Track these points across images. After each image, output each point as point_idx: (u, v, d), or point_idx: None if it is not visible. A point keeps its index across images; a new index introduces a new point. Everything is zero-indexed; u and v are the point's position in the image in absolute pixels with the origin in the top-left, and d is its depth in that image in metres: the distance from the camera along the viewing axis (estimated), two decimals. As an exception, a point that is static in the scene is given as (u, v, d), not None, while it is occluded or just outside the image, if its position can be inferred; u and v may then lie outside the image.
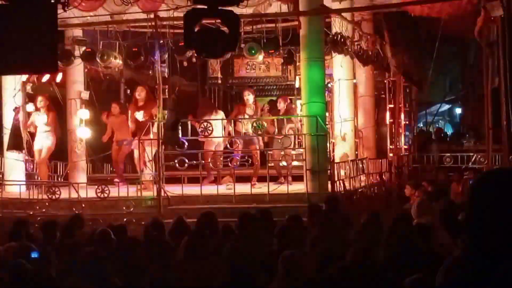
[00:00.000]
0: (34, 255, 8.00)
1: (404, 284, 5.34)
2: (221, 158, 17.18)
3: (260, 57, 17.34)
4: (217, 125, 16.95)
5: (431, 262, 6.18)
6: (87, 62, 18.06)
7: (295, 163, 17.83)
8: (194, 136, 16.92)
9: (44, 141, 17.39)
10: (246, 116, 16.84)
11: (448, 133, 32.05)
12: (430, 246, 7.26)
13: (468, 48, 30.10)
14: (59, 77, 18.85)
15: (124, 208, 14.47)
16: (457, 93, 34.25)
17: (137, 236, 9.44)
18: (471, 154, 21.54)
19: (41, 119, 17.41)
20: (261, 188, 15.28)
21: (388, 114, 21.67)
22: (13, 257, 7.69)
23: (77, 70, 19.08)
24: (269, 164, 16.95)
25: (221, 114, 18.23)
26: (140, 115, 16.87)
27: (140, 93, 17.06)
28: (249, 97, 17.12)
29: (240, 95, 20.36)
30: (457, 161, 21.14)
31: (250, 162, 16.56)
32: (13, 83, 17.63)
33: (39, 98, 17.60)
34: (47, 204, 14.78)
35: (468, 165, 20.44)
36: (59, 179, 19.13)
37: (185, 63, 18.72)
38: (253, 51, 16.63)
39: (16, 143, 17.30)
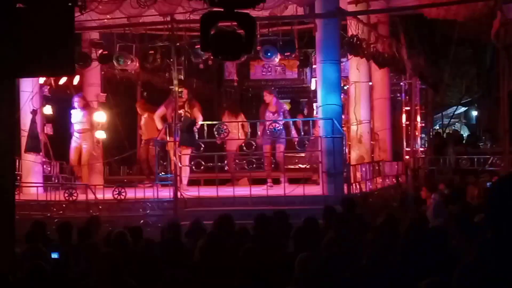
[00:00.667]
0: (54, 255, 8.05)
1: (420, 287, 5.34)
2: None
3: (276, 59, 17.36)
4: (237, 127, 17.14)
5: (446, 265, 6.18)
6: (103, 64, 18.16)
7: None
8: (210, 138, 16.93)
9: (82, 143, 17.52)
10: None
11: (464, 135, 31.92)
12: (446, 249, 7.25)
13: (484, 50, 29.99)
14: (76, 80, 18.94)
15: (140, 210, 14.51)
16: (473, 96, 34.15)
17: (154, 238, 9.47)
18: (488, 156, 21.46)
19: (78, 119, 17.54)
20: (277, 190, 15.29)
21: (404, 117, 21.63)
22: (30, 259, 7.73)
23: (94, 73, 19.17)
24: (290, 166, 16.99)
25: (241, 117, 18.36)
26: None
27: (183, 94, 17.06)
28: (267, 97, 17.13)
29: (257, 96, 20.43)
30: (474, 164, 21.06)
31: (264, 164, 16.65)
32: (31, 85, 17.71)
33: (76, 99, 17.73)
34: (64, 206, 14.84)
35: (484, 168, 20.36)
36: (76, 181, 19.20)
37: (201, 66, 18.78)
38: (269, 54, 16.65)
39: (34, 146, 17.38)
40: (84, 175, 17.68)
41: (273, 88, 18.45)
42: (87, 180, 17.41)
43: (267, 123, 16.59)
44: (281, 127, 16.60)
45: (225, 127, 16.27)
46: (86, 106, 17.77)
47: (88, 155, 17.70)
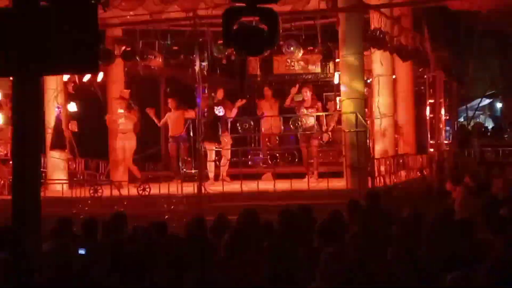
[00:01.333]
0: (81, 251, 8.08)
1: (446, 281, 5.33)
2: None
3: (299, 54, 17.34)
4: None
5: (473, 258, 6.16)
6: (127, 61, 18.23)
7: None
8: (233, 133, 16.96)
9: (125, 142, 17.62)
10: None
11: (489, 127, 31.72)
12: (472, 242, 7.22)
13: (508, 42, 29.80)
14: (100, 77, 19.03)
15: (165, 205, 14.56)
16: (498, 88, 33.92)
17: (179, 233, 9.49)
18: (512, 148, 21.34)
19: (121, 120, 17.67)
20: (301, 184, 15.28)
21: (428, 109, 21.53)
22: (58, 256, 7.76)
23: (118, 70, 19.25)
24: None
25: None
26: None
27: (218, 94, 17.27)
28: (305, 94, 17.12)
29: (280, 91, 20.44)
30: (499, 156, 20.94)
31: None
32: (55, 83, 17.82)
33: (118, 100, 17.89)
34: (89, 202, 14.92)
35: (509, 160, 20.23)
36: (101, 177, 19.30)
37: (224, 61, 18.80)
38: (292, 48, 16.64)
39: (59, 143, 17.50)
40: (134, 171, 17.81)
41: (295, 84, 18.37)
42: (139, 174, 17.57)
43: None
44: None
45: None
46: (129, 108, 17.85)
47: (131, 152, 17.79)
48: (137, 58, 17.57)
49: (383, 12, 17.26)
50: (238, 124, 16.59)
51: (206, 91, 16.81)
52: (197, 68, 15.86)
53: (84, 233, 9.82)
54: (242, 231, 7.88)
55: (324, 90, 23.96)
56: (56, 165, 18.07)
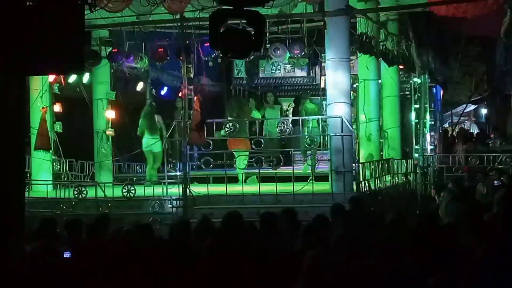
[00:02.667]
0: (66, 255, 8.06)
1: (428, 284, 5.35)
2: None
3: (285, 57, 17.36)
4: None
5: (455, 262, 6.18)
6: (113, 62, 18.20)
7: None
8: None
9: (152, 146, 17.67)
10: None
11: (473, 133, 31.85)
12: (455, 247, 7.24)
13: (494, 48, 29.95)
14: (85, 78, 18.99)
15: (150, 208, 14.53)
16: (483, 93, 34.08)
17: (163, 236, 9.49)
18: (497, 154, 21.40)
19: None
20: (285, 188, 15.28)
21: (413, 114, 21.58)
22: (40, 256, 7.75)
23: (103, 71, 19.22)
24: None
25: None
26: None
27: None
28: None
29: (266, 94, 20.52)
30: (483, 162, 21.01)
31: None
32: (40, 83, 17.77)
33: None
34: (73, 203, 14.88)
35: (493, 166, 20.30)
36: (86, 178, 19.25)
37: (210, 64, 18.80)
38: (278, 52, 16.65)
39: (43, 143, 17.45)
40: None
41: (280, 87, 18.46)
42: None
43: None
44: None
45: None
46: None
47: (160, 156, 17.78)
48: (123, 59, 17.55)
49: (370, 16, 17.32)
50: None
51: (192, 93, 16.73)
52: (183, 70, 15.84)
53: (68, 234, 9.81)
54: (226, 233, 7.89)
55: (310, 94, 24.01)
56: (41, 166, 18.01)
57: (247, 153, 17.04)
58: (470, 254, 6.43)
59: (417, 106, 21.67)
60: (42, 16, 6.70)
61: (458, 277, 4.74)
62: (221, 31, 7.81)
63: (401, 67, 20.21)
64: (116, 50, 17.60)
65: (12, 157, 6.93)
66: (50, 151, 17.98)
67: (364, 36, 16.63)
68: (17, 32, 6.66)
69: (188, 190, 14.72)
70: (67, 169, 19.11)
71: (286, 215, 9.79)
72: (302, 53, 17.74)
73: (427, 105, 22.12)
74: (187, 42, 16.53)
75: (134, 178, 19.03)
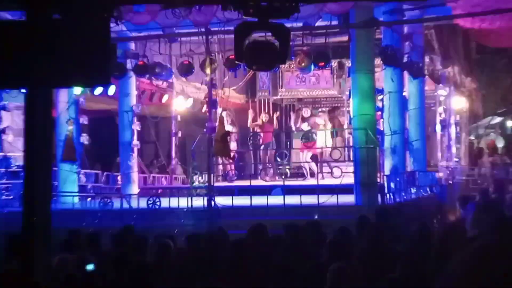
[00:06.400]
0: (89, 267, 8.08)
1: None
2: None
3: (310, 69, 17.38)
4: None
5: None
6: (139, 75, 18.29)
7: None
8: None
9: None
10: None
11: (499, 146, 31.65)
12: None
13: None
14: (111, 90, 19.09)
15: (174, 219, 14.55)
16: (509, 105, 33.86)
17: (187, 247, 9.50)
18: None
19: None
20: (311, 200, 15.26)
21: (439, 127, 21.49)
22: (67, 268, 7.79)
23: (129, 83, 19.32)
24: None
25: None
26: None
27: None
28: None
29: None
30: (509, 174, 20.89)
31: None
32: (67, 95, 17.90)
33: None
34: (99, 215, 14.93)
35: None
36: (111, 190, 19.34)
37: (235, 76, 18.86)
38: (303, 64, 16.67)
39: (70, 155, 17.55)
40: None
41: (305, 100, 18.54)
42: None
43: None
44: None
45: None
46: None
47: None
48: (148, 72, 17.65)
49: (395, 28, 17.29)
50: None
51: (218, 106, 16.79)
52: (208, 81, 15.89)
53: (90, 246, 9.85)
54: (250, 245, 7.89)
55: (335, 106, 24.03)
56: (67, 178, 18.12)
57: None
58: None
59: (442, 118, 21.59)
60: (68, 28, 6.75)
61: None
62: (246, 43, 7.84)
63: (426, 79, 20.13)
64: (141, 62, 17.68)
65: (39, 169, 6.98)
66: (77, 163, 18.08)
67: (389, 48, 16.60)
68: (44, 45, 6.71)
69: (212, 202, 14.74)
70: (93, 180, 19.22)
71: (310, 227, 9.78)
72: (327, 66, 17.73)
73: (452, 117, 22.04)
74: (212, 54, 16.59)
75: (159, 190, 19.09)
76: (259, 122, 20.97)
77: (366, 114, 15.26)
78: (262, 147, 20.07)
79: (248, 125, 21.23)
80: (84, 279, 7.34)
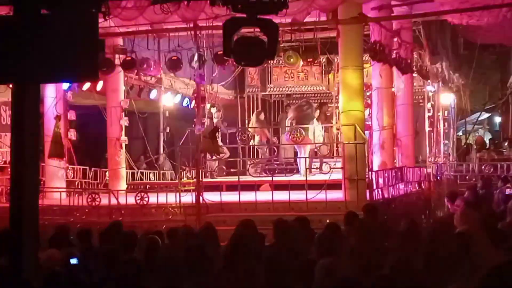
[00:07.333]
0: (73, 261, 8.07)
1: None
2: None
3: (299, 65, 17.37)
4: None
5: (470, 270, 6.15)
6: (127, 70, 18.24)
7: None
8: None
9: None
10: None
11: (487, 141, 31.73)
12: (469, 255, 7.21)
13: (508, 56, 29.86)
14: (99, 86, 19.03)
15: (163, 215, 14.52)
16: (497, 102, 33.96)
17: (175, 244, 9.47)
18: (511, 162, 21.33)
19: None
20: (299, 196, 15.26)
21: (427, 123, 21.52)
22: (55, 264, 7.77)
23: (117, 79, 19.26)
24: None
25: None
26: None
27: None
28: None
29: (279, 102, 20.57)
30: (497, 170, 20.93)
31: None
32: (54, 91, 17.84)
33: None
34: (87, 211, 14.88)
35: (508, 174, 20.19)
36: (99, 186, 19.30)
37: (223, 71, 18.83)
38: (291, 60, 16.65)
39: (57, 151, 17.48)
40: None
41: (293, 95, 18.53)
42: None
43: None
44: None
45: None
46: None
47: None
48: (137, 67, 17.59)
49: (383, 24, 17.28)
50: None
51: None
52: (197, 78, 15.87)
53: (79, 242, 9.82)
54: (239, 242, 7.87)
55: (323, 102, 24.05)
56: (54, 173, 18.06)
57: None
58: (485, 262, 6.40)
59: (431, 114, 21.61)
60: (56, 24, 6.72)
61: (473, 286, 4.71)
62: (234, 39, 7.83)
63: (414, 75, 20.15)
64: (130, 58, 17.62)
65: (27, 165, 6.95)
66: (64, 159, 18.02)
67: (378, 44, 16.60)
68: (31, 40, 6.67)
69: (201, 198, 14.72)
70: (81, 176, 19.17)
71: (299, 223, 9.78)
72: (316, 62, 17.73)
73: (441, 113, 22.06)
74: (200, 50, 16.56)
75: (148, 186, 19.06)
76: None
77: (354, 110, 15.27)
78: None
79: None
80: (69, 275, 7.30)
